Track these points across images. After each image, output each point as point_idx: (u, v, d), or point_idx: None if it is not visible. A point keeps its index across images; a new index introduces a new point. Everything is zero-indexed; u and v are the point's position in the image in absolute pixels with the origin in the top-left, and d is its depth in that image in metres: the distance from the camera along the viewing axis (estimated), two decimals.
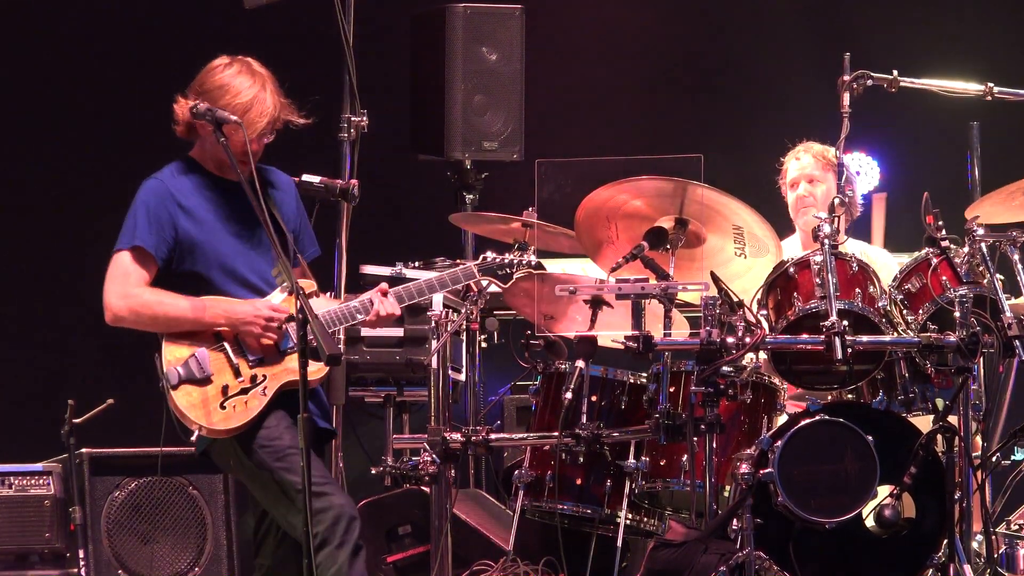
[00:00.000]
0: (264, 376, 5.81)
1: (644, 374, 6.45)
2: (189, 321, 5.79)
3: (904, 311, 6.21)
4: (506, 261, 6.34)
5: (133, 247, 5.82)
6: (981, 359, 6.12)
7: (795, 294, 6.24)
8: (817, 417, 6.06)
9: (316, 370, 5.71)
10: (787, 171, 7.50)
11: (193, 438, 5.86)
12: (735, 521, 5.96)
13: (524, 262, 6.33)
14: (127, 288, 5.82)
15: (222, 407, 5.78)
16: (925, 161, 8.84)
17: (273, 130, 5.83)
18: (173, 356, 5.81)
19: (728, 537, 6.01)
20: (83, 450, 7.35)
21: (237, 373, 5.81)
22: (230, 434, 5.80)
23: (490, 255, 6.33)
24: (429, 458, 6.57)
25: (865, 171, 8.75)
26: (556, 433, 6.40)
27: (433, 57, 8.73)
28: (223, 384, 5.79)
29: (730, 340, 6.03)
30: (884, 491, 6.02)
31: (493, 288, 7.30)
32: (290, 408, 5.79)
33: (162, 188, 5.87)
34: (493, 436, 6.59)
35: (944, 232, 6.19)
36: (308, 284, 5.93)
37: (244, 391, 5.79)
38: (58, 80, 9.34)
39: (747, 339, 6.03)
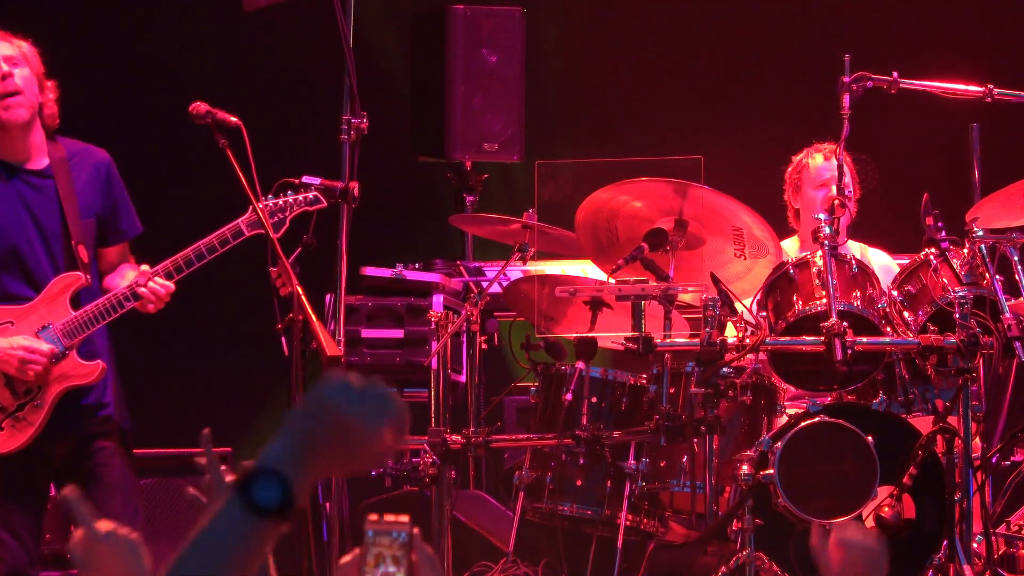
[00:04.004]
0: (39, 388, 5.65)
1: (644, 375, 6.46)
2: None
3: (904, 312, 6.21)
4: (279, 205, 5.73)
5: None
6: (981, 360, 6.12)
7: (795, 295, 6.25)
8: (817, 418, 6.07)
9: (88, 372, 5.63)
10: (812, 169, 7.29)
11: None
12: (735, 522, 5.97)
13: (301, 201, 5.74)
14: None
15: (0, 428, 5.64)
16: (925, 163, 8.83)
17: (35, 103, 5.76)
18: None
19: (728, 538, 6.01)
20: None
21: (14, 391, 5.65)
22: (16, 452, 5.64)
23: (263, 203, 5.71)
24: (429, 459, 6.57)
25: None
26: (556, 434, 6.40)
27: (433, 58, 8.72)
28: (1, 405, 5.65)
29: (730, 341, 6.05)
30: (884, 492, 6.03)
31: (495, 288, 7.32)
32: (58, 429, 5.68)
33: None
34: (493, 437, 6.60)
35: (944, 233, 6.19)
36: (74, 277, 5.67)
37: (20, 407, 5.63)
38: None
39: (747, 340, 6.04)
